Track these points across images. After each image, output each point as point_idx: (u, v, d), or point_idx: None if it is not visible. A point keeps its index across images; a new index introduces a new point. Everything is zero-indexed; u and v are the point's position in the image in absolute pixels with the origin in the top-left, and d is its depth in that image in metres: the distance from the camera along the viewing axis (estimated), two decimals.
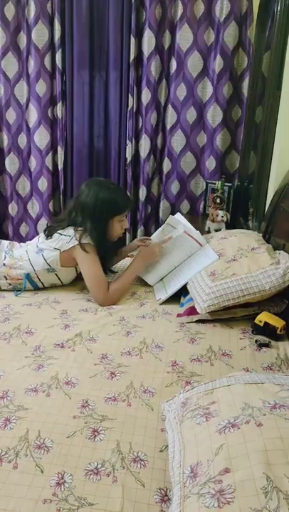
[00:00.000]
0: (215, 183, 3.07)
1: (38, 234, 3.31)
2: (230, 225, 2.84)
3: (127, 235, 3.31)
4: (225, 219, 2.79)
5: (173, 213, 3.32)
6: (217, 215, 2.80)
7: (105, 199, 1.97)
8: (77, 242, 1.93)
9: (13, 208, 3.38)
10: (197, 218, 3.20)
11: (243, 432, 0.93)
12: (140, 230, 3.33)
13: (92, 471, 1.10)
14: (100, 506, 1.01)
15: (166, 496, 1.03)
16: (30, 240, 2.23)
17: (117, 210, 2.02)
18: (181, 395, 1.22)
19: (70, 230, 1.97)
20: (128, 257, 2.33)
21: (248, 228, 2.58)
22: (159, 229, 2.34)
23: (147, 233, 3.37)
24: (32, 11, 3.00)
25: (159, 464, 1.12)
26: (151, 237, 2.32)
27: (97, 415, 1.28)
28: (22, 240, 3.37)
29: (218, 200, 3.01)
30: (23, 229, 3.47)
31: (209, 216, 2.87)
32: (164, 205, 3.31)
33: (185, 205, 3.32)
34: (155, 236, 2.31)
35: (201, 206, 3.28)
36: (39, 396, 1.35)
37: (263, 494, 0.79)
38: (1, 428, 1.22)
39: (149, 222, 3.37)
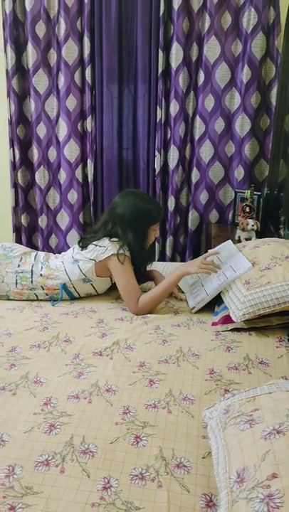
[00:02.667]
0: (244, 192, 3.08)
1: (67, 246, 3.40)
2: (261, 233, 2.84)
3: (156, 245, 3.35)
4: (255, 228, 2.80)
5: (202, 223, 3.36)
6: (247, 224, 2.80)
7: (143, 209, 2.03)
8: (111, 253, 1.98)
9: (42, 221, 3.46)
10: (226, 227, 3.21)
11: None
12: (169, 239, 3.36)
13: (137, 476, 1.12)
14: (147, 510, 1.03)
15: (212, 501, 1.05)
16: (60, 252, 2.27)
17: (154, 219, 2.09)
18: (223, 402, 1.24)
19: (105, 241, 2.02)
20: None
21: (279, 237, 2.58)
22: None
23: (176, 243, 3.40)
24: (62, 28, 3.09)
25: (202, 470, 1.13)
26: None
27: (139, 422, 1.30)
28: (52, 251, 3.44)
29: (247, 209, 3.01)
30: (53, 241, 3.53)
31: (239, 225, 2.88)
32: (192, 214, 3.33)
33: (214, 215, 3.34)
34: None
35: (230, 215, 3.29)
36: (81, 403, 1.38)
37: None
38: (47, 433, 1.25)
39: (178, 232, 3.40)
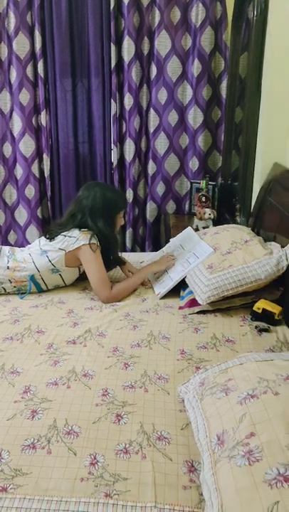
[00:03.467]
0: (199, 183, 3.19)
1: (27, 241, 3.39)
2: (217, 221, 2.96)
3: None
4: (212, 216, 2.91)
5: (160, 214, 3.44)
6: (204, 213, 2.91)
7: (111, 198, 2.11)
8: (83, 243, 2.02)
9: (0, 217, 3.42)
10: (184, 217, 3.31)
11: (263, 401, 1.03)
12: (129, 231, 3.42)
13: (121, 450, 1.18)
14: (134, 480, 1.09)
15: (193, 466, 1.12)
16: (20, 247, 2.29)
17: (121, 207, 2.20)
18: (197, 376, 1.31)
19: (75, 232, 2.06)
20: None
21: (235, 223, 2.69)
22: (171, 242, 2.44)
23: (135, 234, 3.46)
24: (12, 22, 3.06)
25: (182, 440, 1.21)
26: (163, 249, 2.42)
27: (118, 402, 1.36)
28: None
29: (203, 199, 3.12)
30: (12, 237, 3.51)
31: (196, 214, 2.97)
32: (150, 206, 3.41)
33: (171, 206, 3.43)
34: (166, 248, 2.41)
35: (187, 205, 3.39)
36: (60, 388, 1.42)
37: (288, 450, 0.89)
38: (30, 419, 1.29)
39: (137, 223, 3.46)
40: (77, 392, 1.41)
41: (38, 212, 3.42)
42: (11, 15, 3.05)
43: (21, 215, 3.43)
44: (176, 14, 3.08)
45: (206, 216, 2.91)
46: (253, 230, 2.30)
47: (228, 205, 3.08)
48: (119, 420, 1.28)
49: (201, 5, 3.03)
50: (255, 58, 2.44)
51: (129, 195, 3.35)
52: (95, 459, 1.15)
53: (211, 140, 3.29)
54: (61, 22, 3.11)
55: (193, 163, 3.31)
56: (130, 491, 1.06)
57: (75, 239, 2.04)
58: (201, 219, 2.93)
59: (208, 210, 2.91)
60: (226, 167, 3.24)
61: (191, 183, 3.30)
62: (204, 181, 3.13)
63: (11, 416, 1.30)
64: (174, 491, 1.06)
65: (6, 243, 3.47)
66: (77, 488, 1.07)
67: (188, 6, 3.06)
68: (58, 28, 3.11)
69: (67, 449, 1.18)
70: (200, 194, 3.13)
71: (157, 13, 3.06)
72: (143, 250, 3.50)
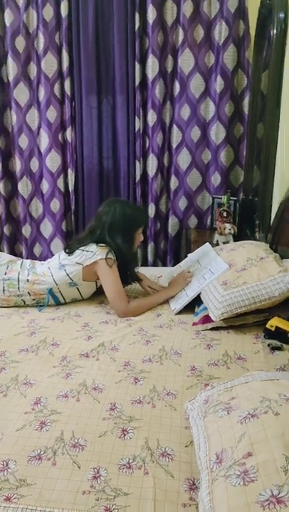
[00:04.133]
0: (221, 198, 3.20)
1: (51, 253, 3.46)
2: (238, 237, 2.95)
3: (138, 251, 3.43)
4: (232, 232, 2.91)
5: (181, 228, 3.46)
6: (224, 228, 2.91)
7: (130, 215, 2.15)
8: (100, 257, 2.07)
9: (26, 230, 3.52)
10: (205, 232, 3.32)
11: (263, 421, 1.03)
12: (150, 245, 3.45)
13: (124, 465, 1.20)
14: (135, 495, 1.11)
15: (194, 484, 1.13)
16: (44, 259, 2.36)
17: (140, 224, 2.23)
18: (203, 393, 1.32)
19: (92, 246, 2.11)
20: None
21: (254, 240, 2.69)
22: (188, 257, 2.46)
23: (157, 249, 3.49)
24: (41, 42, 3.17)
25: (185, 457, 1.22)
26: (180, 264, 2.44)
27: (125, 416, 1.38)
28: (36, 260, 3.49)
29: (224, 214, 3.13)
30: (37, 249, 3.60)
31: (217, 229, 2.98)
32: (172, 220, 3.43)
33: (193, 220, 3.45)
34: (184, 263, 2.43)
35: (209, 220, 3.40)
36: (70, 401, 1.46)
37: (283, 472, 0.89)
38: (38, 430, 1.33)
39: (159, 238, 3.50)
40: (86, 405, 1.44)
41: (63, 226, 3.49)
42: (40, 35, 3.16)
43: (46, 228, 3.51)
44: (200, 32, 3.12)
45: (226, 231, 2.91)
46: (271, 246, 2.29)
47: (249, 220, 3.08)
48: (124, 435, 1.31)
49: (224, 23, 3.06)
50: (275, 75, 2.46)
51: (151, 209, 3.38)
52: (98, 472, 1.18)
53: (233, 155, 3.30)
54: (88, 42, 3.19)
55: (216, 179, 3.33)
56: (130, 506, 1.08)
57: (92, 253, 2.09)
58: (221, 234, 2.94)
59: (228, 225, 2.92)
60: (247, 182, 3.24)
61: (213, 198, 3.31)
62: (226, 196, 3.14)
63: (20, 427, 1.34)
64: (174, 508, 1.08)
65: (32, 255, 3.56)
66: (78, 501, 1.10)
67: (212, 25, 3.10)
68: (84, 48, 3.20)
69: (72, 462, 1.21)
70: (221, 209, 3.14)
71: (181, 31, 3.11)
72: (164, 264, 3.52)
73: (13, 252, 3.55)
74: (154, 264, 3.49)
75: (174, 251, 3.50)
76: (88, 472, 1.18)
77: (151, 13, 3.05)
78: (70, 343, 1.82)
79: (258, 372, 1.34)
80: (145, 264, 3.46)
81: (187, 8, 3.05)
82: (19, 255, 3.55)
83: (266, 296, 1.83)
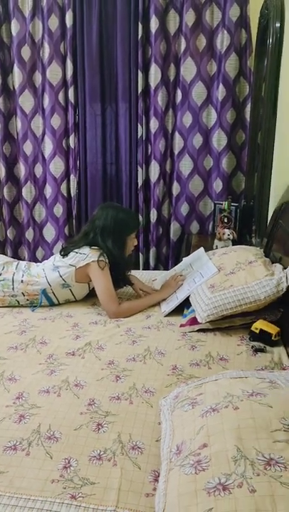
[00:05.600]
0: (222, 204, 3.23)
1: None
2: (238, 242, 2.97)
3: (140, 255, 3.48)
4: (231, 237, 2.94)
5: (183, 234, 3.50)
6: (224, 234, 2.94)
7: (122, 220, 2.20)
8: (92, 259, 2.12)
9: (29, 234, 3.60)
10: (206, 238, 3.35)
11: (222, 415, 1.06)
12: (152, 250, 3.50)
13: (95, 457, 1.24)
14: (101, 485, 1.15)
15: (159, 476, 1.16)
16: None
17: (131, 229, 2.26)
18: (175, 390, 1.36)
19: (85, 249, 2.17)
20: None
21: (251, 245, 2.71)
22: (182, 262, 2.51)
23: (159, 253, 3.53)
24: (46, 52, 3.26)
25: (154, 451, 1.25)
26: (175, 268, 2.48)
27: (102, 411, 1.42)
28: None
29: (225, 220, 3.16)
30: (40, 253, 3.67)
31: (217, 235, 3.01)
32: (174, 226, 3.47)
33: (195, 226, 3.48)
34: (178, 267, 2.48)
35: (210, 226, 3.43)
36: (51, 396, 1.50)
37: (232, 462, 0.92)
38: (16, 423, 1.37)
39: (161, 243, 3.54)
40: (66, 400, 1.48)
41: (65, 230, 3.57)
42: (46, 45, 3.26)
43: (49, 232, 3.59)
44: (202, 41, 3.17)
45: (225, 237, 2.94)
46: (265, 251, 2.32)
47: (249, 226, 3.10)
48: (99, 429, 1.34)
49: (226, 32, 3.11)
50: (271, 83, 2.49)
51: (153, 215, 3.43)
52: (68, 463, 1.22)
53: (235, 162, 3.34)
54: (92, 51, 3.28)
55: (217, 185, 3.36)
56: (95, 495, 1.12)
57: (85, 256, 2.14)
58: (220, 239, 2.96)
59: (227, 231, 2.94)
60: (248, 189, 3.26)
61: (215, 204, 3.34)
62: (227, 202, 3.17)
63: (0, 419, 1.39)
64: (137, 497, 1.11)
65: (34, 259, 3.63)
66: (46, 489, 1.14)
67: (214, 34, 3.15)
68: (88, 57, 3.28)
69: (45, 452, 1.26)
70: (222, 215, 3.17)
71: (183, 40, 3.17)
72: (166, 269, 3.54)
73: (16, 255, 3.64)
74: (156, 268, 3.53)
75: (175, 256, 3.53)
76: (59, 462, 1.22)
77: (154, 23, 3.12)
78: (58, 341, 1.87)
79: (231, 371, 1.37)
80: (147, 268, 3.50)
81: (189, 18, 3.11)
82: (22, 259, 3.63)
83: (252, 300, 1.86)
